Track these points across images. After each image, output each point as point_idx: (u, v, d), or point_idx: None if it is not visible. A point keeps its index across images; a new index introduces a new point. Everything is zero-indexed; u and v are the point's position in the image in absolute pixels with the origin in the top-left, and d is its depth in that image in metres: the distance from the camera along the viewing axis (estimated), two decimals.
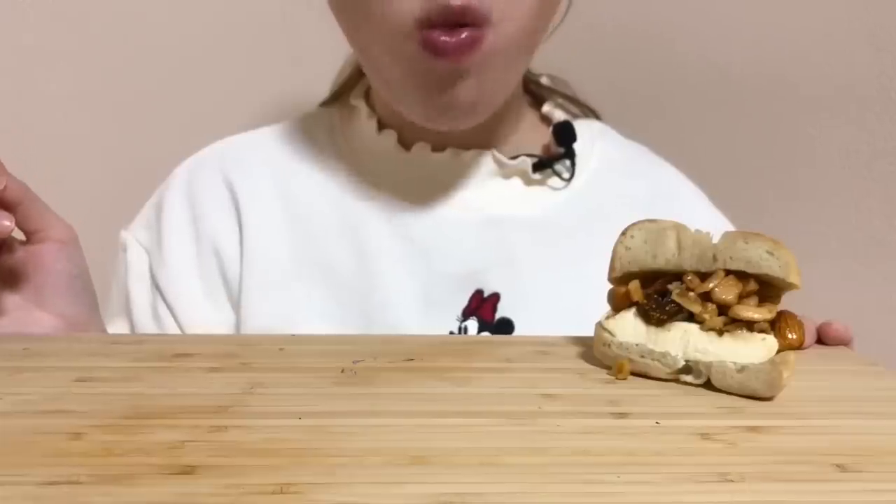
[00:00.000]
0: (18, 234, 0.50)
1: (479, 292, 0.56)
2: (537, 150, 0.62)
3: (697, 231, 0.39)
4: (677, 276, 0.39)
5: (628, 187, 0.62)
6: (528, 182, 0.60)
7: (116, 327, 0.60)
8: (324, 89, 0.68)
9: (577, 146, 0.61)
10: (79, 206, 0.83)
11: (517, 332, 0.56)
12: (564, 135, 0.61)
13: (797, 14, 0.80)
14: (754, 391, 0.36)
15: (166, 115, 0.85)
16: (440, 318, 0.56)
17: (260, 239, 0.58)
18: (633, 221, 0.39)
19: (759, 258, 0.37)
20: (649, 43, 0.83)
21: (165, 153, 0.64)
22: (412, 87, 0.52)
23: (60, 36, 0.83)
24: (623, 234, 0.41)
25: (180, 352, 0.42)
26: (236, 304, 0.58)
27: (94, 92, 0.84)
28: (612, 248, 0.41)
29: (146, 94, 0.85)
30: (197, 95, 0.85)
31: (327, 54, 0.66)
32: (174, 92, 0.85)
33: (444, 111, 0.52)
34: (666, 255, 0.39)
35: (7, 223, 0.46)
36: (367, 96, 0.63)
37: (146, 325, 0.58)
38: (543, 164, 0.60)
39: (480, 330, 0.56)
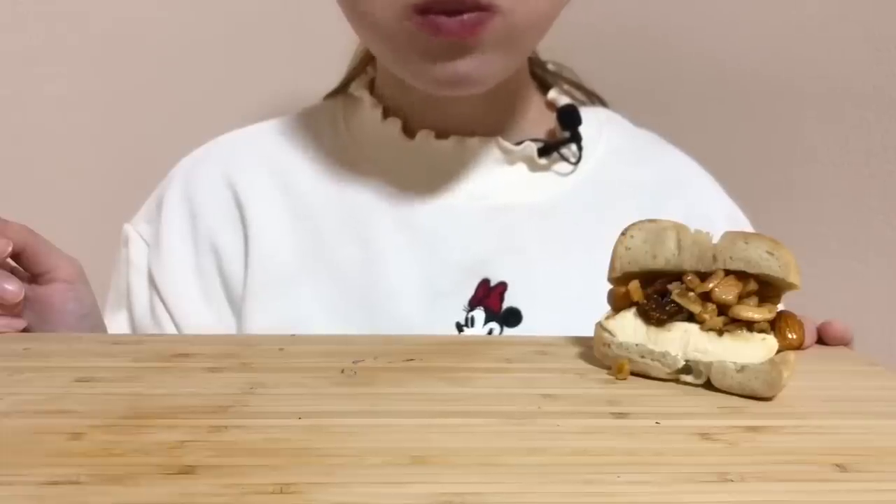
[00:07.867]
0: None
1: (485, 282, 0.56)
2: (542, 136, 0.61)
3: (697, 231, 0.39)
4: (677, 276, 0.39)
5: (637, 174, 0.62)
6: (534, 168, 0.59)
7: (117, 320, 0.60)
8: (330, 84, 0.67)
9: (582, 130, 0.60)
10: (80, 206, 0.83)
11: (525, 321, 0.55)
12: (569, 118, 0.60)
13: (795, 12, 0.80)
14: (754, 391, 0.36)
15: (168, 111, 0.85)
16: (446, 308, 0.55)
17: (264, 235, 0.58)
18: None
19: (759, 258, 0.37)
20: (647, 41, 0.83)
21: (167, 150, 0.64)
22: (411, 58, 0.51)
23: (60, 36, 0.83)
24: (623, 234, 0.41)
25: (180, 352, 0.42)
26: (239, 302, 0.57)
27: (94, 86, 0.84)
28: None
29: (148, 90, 0.84)
30: (200, 91, 0.84)
31: (335, 49, 0.65)
32: (176, 87, 0.84)
33: (444, 82, 0.51)
34: (666, 255, 0.39)
35: (12, 288, 0.46)
36: (372, 87, 0.62)
37: (145, 318, 0.58)
38: (549, 149, 0.59)
39: (487, 320, 0.55)
